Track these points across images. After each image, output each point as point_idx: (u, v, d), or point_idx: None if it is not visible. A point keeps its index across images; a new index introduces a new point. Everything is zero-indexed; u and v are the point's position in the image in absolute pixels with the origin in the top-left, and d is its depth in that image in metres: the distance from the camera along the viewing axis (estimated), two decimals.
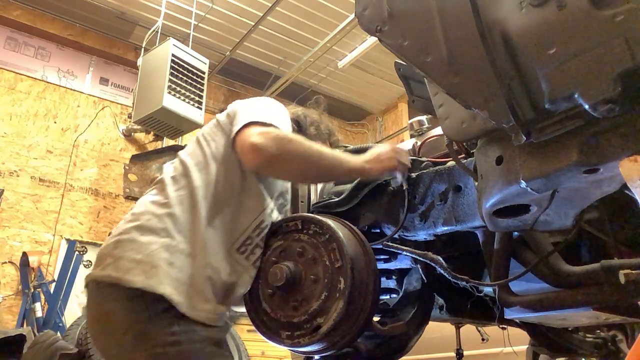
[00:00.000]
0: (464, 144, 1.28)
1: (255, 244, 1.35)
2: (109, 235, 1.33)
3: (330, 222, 1.26)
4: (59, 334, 3.64)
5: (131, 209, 1.36)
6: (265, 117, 1.34)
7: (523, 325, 1.72)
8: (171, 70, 4.71)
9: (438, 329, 2.82)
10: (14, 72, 5.26)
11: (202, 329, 1.20)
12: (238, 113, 1.37)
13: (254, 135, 1.27)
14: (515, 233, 1.21)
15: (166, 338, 1.14)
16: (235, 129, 1.32)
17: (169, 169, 1.39)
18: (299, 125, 1.59)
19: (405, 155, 1.43)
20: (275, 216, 1.42)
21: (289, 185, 1.54)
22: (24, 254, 4.68)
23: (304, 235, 1.27)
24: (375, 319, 1.39)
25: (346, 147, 1.94)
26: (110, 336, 1.19)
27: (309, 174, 1.36)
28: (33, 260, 4.68)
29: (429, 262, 1.33)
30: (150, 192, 1.37)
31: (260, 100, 1.46)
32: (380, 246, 1.41)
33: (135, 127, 5.42)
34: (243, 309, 1.38)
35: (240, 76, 6.65)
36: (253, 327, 1.30)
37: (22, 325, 4.29)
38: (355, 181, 1.49)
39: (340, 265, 1.18)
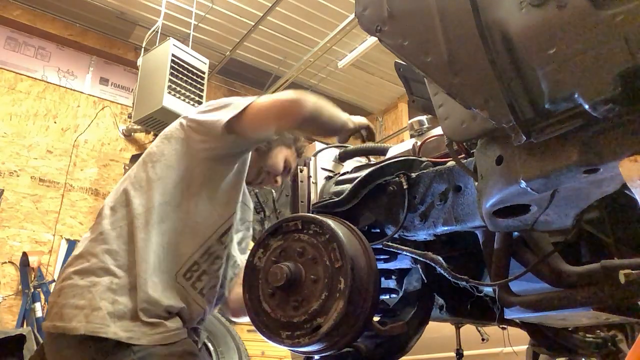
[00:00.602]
0: (464, 144, 1.28)
1: (203, 271, 1.33)
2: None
3: (331, 222, 1.25)
4: None
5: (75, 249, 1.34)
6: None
7: (523, 325, 1.72)
8: (171, 70, 4.71)
9: (438, 329, 2.82)
10: (14, 72, 5.26)
11: (160, 348, 1.19)
12: (216, 109, 1.37)
13: (280, 98, 1.35)
14: (515, 233, 1.21)
15: None
16: (234, 112, 1.32)
17: (110, 198, 1.37)
18: None
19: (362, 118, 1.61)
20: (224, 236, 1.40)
21: (247, 197, 1.54)
22: (24, 254, 4.68)
23: (304, 235, 1.27)
24: (375, 319, 1.39)
25: (346, 147, 1.94)
26: None
27: (323, 126, 1.46)
28: (33, 260, 4.68)
29: (429, 262, 1.33)
30: (90, 229, 1.35)
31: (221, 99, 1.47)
32: (380, 246, 1.41)
33: (135, 127, 5.42)
34: (242, 320, 1.39)
35: (240, 76, 6.64)
36: (253, 327, 1.30)
37: (22, 325, 4.29)
38: (355, 181, 1.49)
39: (340, 265, 1.18)
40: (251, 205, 1.63)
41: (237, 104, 1.36)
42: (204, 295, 1.33)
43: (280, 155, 1.61)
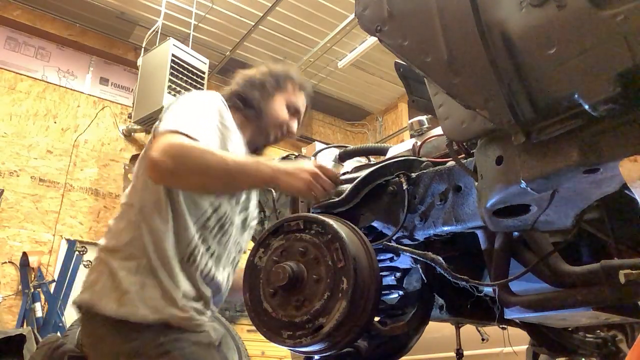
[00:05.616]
0: (464, 144, 1.29)
1: (202, 252, 1.34)
2: None
3: (333, 221, 1.26)
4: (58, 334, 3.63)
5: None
6: (180, 123, 1.29)
7: (523, 325, 1.72)
8: (171, 70, 4.71)
9: (438, 329, 2.82)
10: (14, 72, 5.26)
11: (188, 335, 1.23)
12: (160, 121, 1.36)
13: (155, 151, 1.24)
14: (516, 233, 1.21)
15: (156, 350, 1.17)
16: (150, 139, 1.35)
17: (125, 192, 1.42)
18: (244, 102, 1.53)
19: (326, 182, 1.33)
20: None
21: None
22: (24, 254, 4.68)
23: (306, 235, 1.27)
24: (376, 319, 1.40)
25: (346, 147, 1.94)
26: None
27: (210, 187, 1.32)
28: (33, 260, 4.68)
29: (429, 262, 1.33)
30: (115, 216, 1.39)
31: (185, 100, 1.42)
32: (381, 246, 1.41)
33: (135, 127, 5.42)
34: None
35: None
36: (253, 327, 1.30)
37: (22, 325, 4.29)
38: (355, 181, 1.49)
39: (343, 265, 1.19)
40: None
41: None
42: (204, 278, 1.36)
43: (277, 104, 1.54)
